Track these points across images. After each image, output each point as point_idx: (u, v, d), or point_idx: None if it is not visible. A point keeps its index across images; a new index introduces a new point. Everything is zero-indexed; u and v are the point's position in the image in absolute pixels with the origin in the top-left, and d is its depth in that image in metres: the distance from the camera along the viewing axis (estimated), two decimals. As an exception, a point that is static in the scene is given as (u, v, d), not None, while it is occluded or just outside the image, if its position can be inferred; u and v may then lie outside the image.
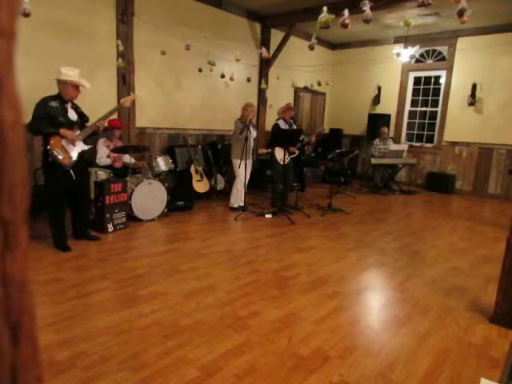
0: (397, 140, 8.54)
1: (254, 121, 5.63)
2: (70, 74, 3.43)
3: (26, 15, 3.60)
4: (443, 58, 7.95)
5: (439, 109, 8.13)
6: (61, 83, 3.45)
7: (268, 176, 6.87)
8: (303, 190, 7.30)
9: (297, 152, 5.53)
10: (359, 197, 7.09)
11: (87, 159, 3.91)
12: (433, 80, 8.25)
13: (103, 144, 4.69)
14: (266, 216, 5.21)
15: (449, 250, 4.18)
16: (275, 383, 1.87)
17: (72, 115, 3.57)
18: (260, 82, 7.29)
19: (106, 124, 3.83)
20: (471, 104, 7.55)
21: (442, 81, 8.03)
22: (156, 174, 4.99)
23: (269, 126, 6.94)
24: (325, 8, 3.68)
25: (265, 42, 7.40)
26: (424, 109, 8.48)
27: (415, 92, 8.59)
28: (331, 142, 8.83)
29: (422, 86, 8.47)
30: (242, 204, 5.43)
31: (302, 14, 6.60)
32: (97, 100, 4.92)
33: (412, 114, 8.68)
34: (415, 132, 8.69)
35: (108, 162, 4.70)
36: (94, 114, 4.00)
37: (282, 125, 5.43)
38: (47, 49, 4.53)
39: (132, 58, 5.40)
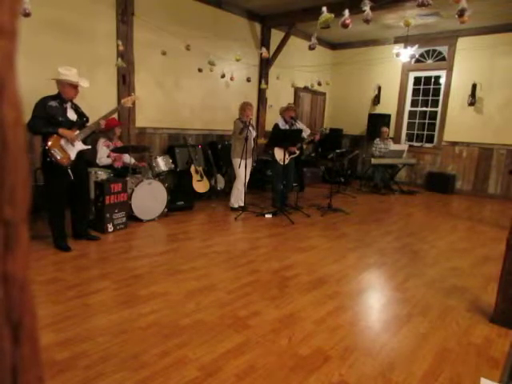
0: (397, 140, 8.54)
1: (253, 121, 5.64)
2: (67, 73, 3.42)
3: (27, 15, 3.60)
4: (443, 58, 7.95)
5: (439, 109, 8.13)
6: (59, 83, 3.46)
7: (268, 176, 6.87)
8: (302, 190, 7.30)
9: (297, 152, 5.53)
10: (359, 197, 7.09)
11: (87, 159, 3.91)
12: (433, 80, 8.25)
13: (103, 144, 4.69)
14: (266, 216, 5.21)
15: (449, 250, 4.18)
16: (275, 383, 1.87)
17: (71, 115, 3.57)
18: (260, 82, 7.28)
19: (103, 126, 3.81)
20: (471, 104, 7.55)
21: (442, 81, 8.03)
22: (156, 174, 4.99)
23: (269, 126, 6.95)
24: (324, 8, 3.68)
25: (265, 42, 7.40)
26: (424, 109, 8.48)
27: (415, 92, 8.60)
28: (331, 142, 8.83)
29: (421, 86, 8.47)
30: (242, 204, 5.43)
31: (301, 14, 6.60)
32: (97, 100, 4.92)
33: (412, 114, 8.68)
34: (415, 132, 8.69)
35: (108, 161, 4.70)
36: (94, 113, 4.00)
37: (282, 125, 5.42)
38: (47, 49, 4.53)
39: (132, 58, 5.40)
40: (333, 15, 3.68)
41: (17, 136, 0.37)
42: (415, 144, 8.50)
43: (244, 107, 5.26)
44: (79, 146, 3.59)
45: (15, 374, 0.39)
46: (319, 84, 8.11)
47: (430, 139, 8.42)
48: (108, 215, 4.11)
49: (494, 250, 4.16)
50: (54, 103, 3.42)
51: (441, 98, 8.08)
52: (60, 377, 1.83)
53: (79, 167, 3.65)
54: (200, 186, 5.82)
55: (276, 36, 7.58)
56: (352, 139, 9.37)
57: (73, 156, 3.53)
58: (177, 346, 2.13)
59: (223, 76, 6.41)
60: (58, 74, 3.42)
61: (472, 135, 7.67)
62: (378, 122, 8.31)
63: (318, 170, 8.58)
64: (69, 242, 3.64)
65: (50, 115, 3.39)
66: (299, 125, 5.71)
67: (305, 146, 6.14)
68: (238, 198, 5.46)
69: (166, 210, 4.84)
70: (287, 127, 5.40)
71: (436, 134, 8.24)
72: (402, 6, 5.72)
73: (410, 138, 8.74)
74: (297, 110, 8.14)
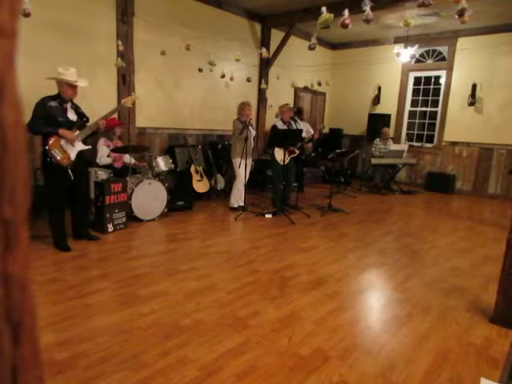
0: (397, 140, 8.54)
1: (253, 121, 5.64)
2: (64, 72, 3.40)
3: (27, 15, 3.60)
4: (443, 58, 7.95)
5: (439, 109, 8.13)
6: (58, 83, 3.45)
7: (268, 176, 6.87)
8: (302, 190, 7.29)
9: (297, 152, 5.53)
10: (359, 197, 7.09)
11: (87, 159, 3.91)
12: (433, 80, 8.25)
13: (103, 144, 4.70)
14: (266, 216, 5.21)
15: (449, 250, 4.18)
16: (275, 383, 1.87)
17: (71, 115, 3.57)
18: (260, 82, 7.29)
19: (103, 126, 3.80)
20: (471, 104, 7.56)
21: (442, 81, 8.03)
22: (156, 174, 4.99)
23: (269, 126, 6.95)
24: (323, 8, 3.68)
25: (265, 42, 7.40)
26: (424, 109, 8.48)
27: (415, 92, 8.60)
28: (331, 142, 8.83)
29: (422, 86, 8.47)
30: (242, 204, 5.43)
31: (301, 14, 6.60)
32: (97, 100, 4.92)
33: (412, 114, 8.68)
34: (415, 132, 8.69)
35: (108, 161, 4.70)
36: (94, 113, 4.00)
37: (280, 126, 5.42)
38: (47, 49, 4.53)
39: (132, 58, 5.40)
40: (332, 15, 3.68)
41: (17, 136, 0.37)
42: (415, 144, 8.50)
43: (242, 107, 5.26)
44: (79, 146, 3.59)
45: (15, 374, 0.39)
46: (319, 84, 8.11)
47: (430, 139, 8.42)
48: (108, 215, 4.11)
49: (494, 249, 4.16)
50: (53, 103, 3.42)
51: (441, 98, 8.08)
52: (60, 377, 1.83)
53: (79, 167, 3.65)
54: (200, 186, 5.82)
55: (276, 36, 7.58)
56: (352, 139, 9.37)
57: (73, 156, 3.53)
58: (177, 345, 2.13)
59: (223, 76, 6.41)
60: (57, 73, 3.42)
61: (472, 135, 7.67)
62: (378, 122, 8.31)
63: (318, 170, 8.57)
64: (69, 242, 3.64)
65: (50, 115, 3.38)
66: (300, 125, 5.70)
67: (306, 146, 6.13)
68: (238, 197, 5.46)
69: (165, 210, 4.84)
70: (285, 128, 5.40)
71: (436, 133, 8.24)
72: (402, 6, 5.72)
73: (410, 138, 8.74)
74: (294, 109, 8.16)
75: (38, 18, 4.09)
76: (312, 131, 6.05)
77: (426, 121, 8.48)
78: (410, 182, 8.48)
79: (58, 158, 3.43)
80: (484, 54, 7.37)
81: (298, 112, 7.18)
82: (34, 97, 3.34)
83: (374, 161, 7.40)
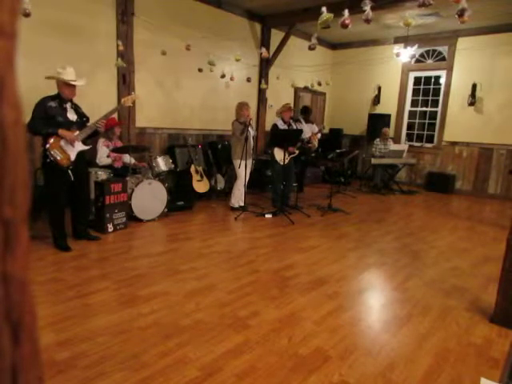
0: (397, 140, 8.54)
1: (253, 121, 5.65)
2: (62, 72, 3.40)
3: (27, 15, 3.60)
4: (443, 58, 7.95)
5: (439, 109, 8.13)
6: (56, 82, 3.45)
7: (268, 176, 6.87)
8: (302, 190, 7.28)
9: (296, 152, 5.53)
10: (359, 197, 7.09)
11: (86, 159, 3.91)
12: (433, 80, 8.25)
13: (103, 144, 4.69)
14: (266, 216, 5.21)
15: (449, 250, 4.18)
16: (275, 383, 1.87)
17: (71, 115, 3.57)
18: (260, 82, 7.28)
19: (103, 126, 3.80)
20: (471, 104, 7.55)
21: (442, 81, 8.03)
22: (156, 174, 4.99)
23: (269, 126, 6.94)
24: (324, 8, 3.68)
25: (265, 42, 7.40)
26: (424, 109, 8.48)
27: (415, 92, 8.60)
28: (331, 142, 8.83)
29: (422, 86, 8.47)
30: (243, 204, 5.43)
31: (302, 14, 6.60)
32: (97, 100, 4.92)
33: (412, 114, 8.68)
34: (415, 132, 8.69)
35: (108, 161, 4.70)
36: (94, 113, 4.00)
37: (281, 125, 5.42)
38: (47, 49, 4.53)
39: (132, 58, 5.40)
40: (332, 15, 3.68)
41: (17, 136, 0.37)
42: (415, 144, 8.50)
43: (241, 107, 5.25)
44: (79, 146, 3.59)
45: (15, 374, 0.39)
46: (319, 84, 8.11)
47: (430, 139, 8.42)
48: (108, 215, 4.11)
49: (494, 249, 4.15)
50: (53, 103, 3.42)
51: (441, 98, 8.08)
52: (60, 377, 1.83)
53: (79, 167, 3.65)
54: (200, 186, 5.82)
55: (276, 36, 7.58)
56: (352, 139, 9.37)
57: (73, 157, 3.53)
58: (177, 345, 2.13)
59: (223, 76, 6.41)
60: (56, 73, 3.42)
61: (472, 135, 7.67)
62: (378, 122, 8.31)
63: (318, 170, 8.57)
64: (69, 242, 3.64)
65: (50, 116, 3.38)
66: (303, 126, 5.71)
67: (309, 145, 6.10)
68: (238, 197, 5.46)
69: (165, 209, 4.84)
70: (286, 127, 5.40)
71: (436, 133, 8.24)
72: (402, 6, 5.72)
73: (410, 138, 8.74)
74: (297, 110, 8.17)
75: (38, 17, 4.08)
76: (316, 129, 6.05)
77: (426, 121, 8.48)
78: (409, 181, 8.48)
79: (58, 158, 3.43)
80: (484, 54, 7.36)
81: (305, 112, 7.12)
82: (34, 97, 3.34)
83: (374, 161, 7.40)
